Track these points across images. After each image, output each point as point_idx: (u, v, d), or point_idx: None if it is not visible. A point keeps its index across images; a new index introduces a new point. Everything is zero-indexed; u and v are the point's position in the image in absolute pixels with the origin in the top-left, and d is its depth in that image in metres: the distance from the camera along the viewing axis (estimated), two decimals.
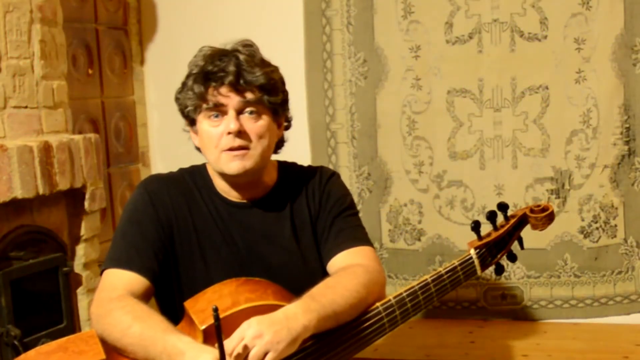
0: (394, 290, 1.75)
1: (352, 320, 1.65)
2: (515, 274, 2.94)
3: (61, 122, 2.58)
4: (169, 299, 1.79)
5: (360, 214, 1.97)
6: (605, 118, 2.82)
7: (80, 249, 2.61)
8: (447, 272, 1.79)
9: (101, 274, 1.75)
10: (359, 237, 1.82)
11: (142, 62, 3.35)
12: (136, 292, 1.67)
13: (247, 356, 1.47)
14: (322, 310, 1.56)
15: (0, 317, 2.23)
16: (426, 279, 1.76)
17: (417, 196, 3.02)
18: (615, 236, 2.87)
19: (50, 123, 2.51)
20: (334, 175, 1.91)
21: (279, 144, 1.85)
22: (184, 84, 1.78)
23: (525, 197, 2.90)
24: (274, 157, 1.86)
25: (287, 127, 1.87)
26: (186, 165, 1.90)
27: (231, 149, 1.72)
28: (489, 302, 2.99)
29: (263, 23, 3.06)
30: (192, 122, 1.79)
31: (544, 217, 1.88)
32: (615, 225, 2.86)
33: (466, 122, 2.94)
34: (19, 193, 2.24)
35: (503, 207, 1.89)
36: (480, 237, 1.86)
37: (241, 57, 1.73)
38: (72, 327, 2.51)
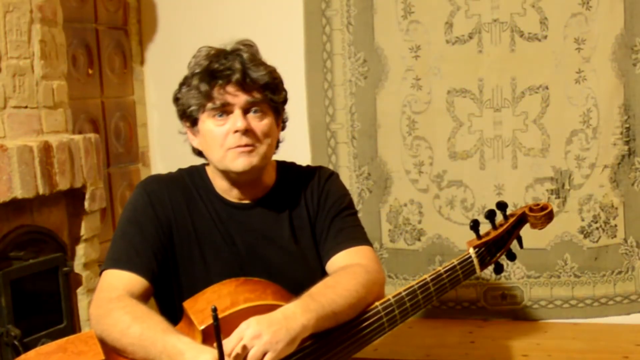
0: (393, 290, 1.75)
1: (351, 320, 1.65)
2: (515, 274, 2.94)
3: (61, 122, 2.58)
4: (168, 299, 1.79)
5: (360, 214, 1.98)
6: (605, 118, 2.82)
7: (80, 249, 2.61)
8: (446, 272, 1.79)
9: (100, 274, 1.75)
10: (358, 236, 1.82)
11: (142, 62, 3.35)
12: (135, 293, 1.67)
13: (246, 356, 1.47)
14: (321, 310, 1.56)
15: (0, 317, 2.24)
16: (425, 279, 1.76)
17: (417, 196, 3.02)
18: (615, 236, 2.87)
19: (50, 123, 2.52)
20: (332, 175, 1.91)
21: (277, 144, 1.85)
22: (185, 84, 1.77)
23: (525, 197, 2.90)
24: (273, 157, 1.86)
25: (283, 128, 1.87)
26: (186, 165, 1.90)
27: (238, 147, 1.72)
28: (489, 302, 2.98)
29: (263, 23, 3.06)
30: (193, 123, 1.78)
31: (543, 216, 1.88)
32: (615, 225, 2.86)
33: (466, 122, 2.94)
34: (19, 193, 2.25)
35: (502, 206, 1.89)
36: (479, 236, 1.86)
37: (245, 55, 1.74)
38: (72, 327, 2.51)
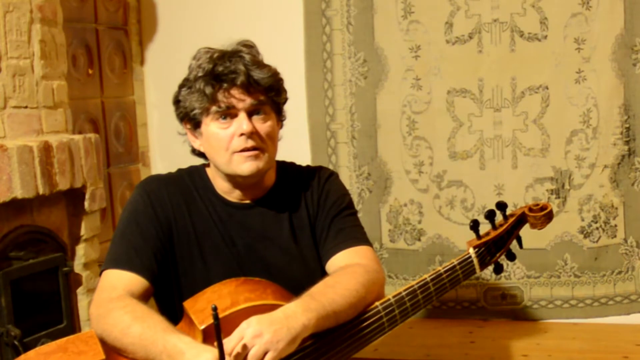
0: (393, 290, 1.74)
1: (351, 320, 1.65)
2: (515, 274, 2.94)
3: (61, 122, 2.58)
4: (168, 299, 1.80)
5: (360, 214, 1.98)
6: (605, 118, 2.82)
7: (80, 249, 2.62)
8: (446, 272, 1.79)
9: (100, 274, 1.75)
10: (357, 236, 1.82)
11: (142, 62, 3.35)
12: (135, 293, 1.67)
13: (246, 355, 1.47)
14: (321, 310, 1.56)
15: (0, 317, 2.24)
16: (425, 278, 1.76)
17: (417, 196, 3.02)
18: (615, 236, 2.87)
19: (50, 123, 2.52)
20: (332, 175, 1.91)
21: None
22: (187, 86, 1.76)
23: (525, 197, 2.90)
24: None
25: (281, 127, 1.87)
26: (186, 165, 1.90)
27: (244, 150, 1.72)
28: (489, 302, 2.98)
29: (263, 23, 3.06)
30: (196, 125, 1.77)
31: (542, 215, 1.88)
32: (615, 225, 2.86)
33: (466, 122, 2.94)
34: (19, 193, 2.25)
35: (502, 206, 1.89)
36: (479, 236, 1.86)
37: (247, 57, 1.73)
38: (72, 327, 2.51)
